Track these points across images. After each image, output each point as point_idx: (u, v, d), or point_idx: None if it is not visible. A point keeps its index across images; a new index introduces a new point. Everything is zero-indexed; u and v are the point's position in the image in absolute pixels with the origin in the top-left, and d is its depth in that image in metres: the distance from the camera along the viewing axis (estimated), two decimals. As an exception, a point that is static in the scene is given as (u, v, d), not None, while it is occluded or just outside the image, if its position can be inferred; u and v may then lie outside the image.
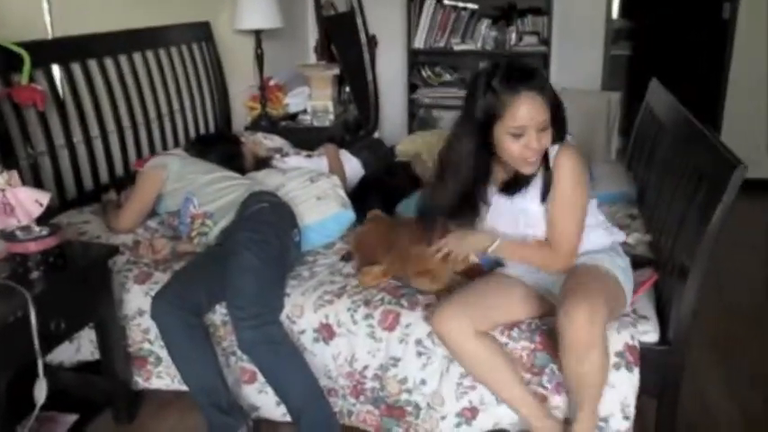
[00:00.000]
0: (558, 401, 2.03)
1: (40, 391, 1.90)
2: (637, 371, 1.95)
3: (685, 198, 2.18)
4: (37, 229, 1.97)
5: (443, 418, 2.09)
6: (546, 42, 4.75)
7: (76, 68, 2.77)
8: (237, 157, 2.93)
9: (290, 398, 2.14)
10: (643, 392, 1.98)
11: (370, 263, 2.34)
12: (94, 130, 2.87)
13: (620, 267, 2.00)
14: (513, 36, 4.81)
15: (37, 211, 1.95)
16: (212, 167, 2.63)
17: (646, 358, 1.96)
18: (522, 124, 1.81)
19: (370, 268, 2.30)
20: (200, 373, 2.14)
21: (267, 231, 2.29)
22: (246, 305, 2.12)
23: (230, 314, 2.15)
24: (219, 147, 2.93)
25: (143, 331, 2.33)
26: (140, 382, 2.40)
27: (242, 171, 2.82)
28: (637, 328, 1.98)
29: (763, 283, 3.49)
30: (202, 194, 2.47)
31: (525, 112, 1.80)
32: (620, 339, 1.96)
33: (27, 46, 2.41)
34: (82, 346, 2.40)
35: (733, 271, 3.43)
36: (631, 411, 1.96)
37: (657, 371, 1.98)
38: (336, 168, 3.21)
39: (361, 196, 2.92)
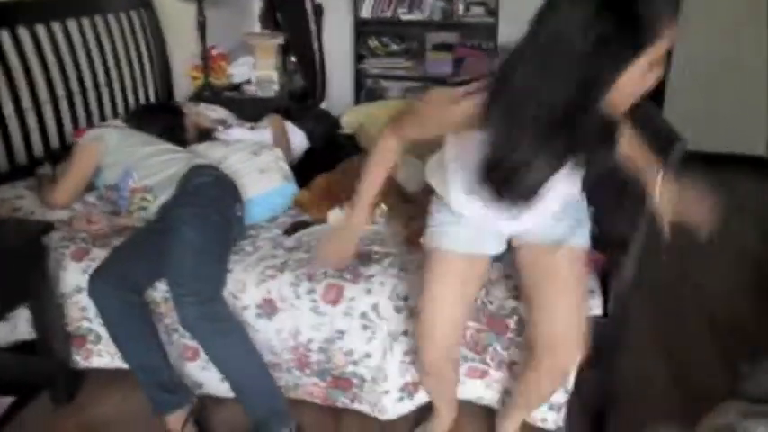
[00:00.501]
0: (497, 376, 2.07)
1: (-29, 374, 1.85)
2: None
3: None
4: (-36, 206, 1.89)
5: (386, 392, 2.10)
6: (493, 13, 4.74)
7: (5, 36, 2.65)
8: (179, 129, 2.84)
9: (233, 374, 2.11)
10: (583, 363, 2.02)
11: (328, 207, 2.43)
12: (26, 101, 2.76)
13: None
14: (461, 6, 4.79)
15: (-37, 187, 1.87)
16: (152, 140, 2.55)
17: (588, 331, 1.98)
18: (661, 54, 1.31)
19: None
20: (141, 352, 2.11)
21: (208, 206, 2.23)
22: (187, 281, 2.07)
23: (171, 291, 2.10)
24: (160, 118, 2.83)
25: (81, 309, 2.28)
26: (80, 361, 2.34)
27: (184, 143, 2.75)
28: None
29: (707, 255, 3.57)
30: (142, 168, 2.40)
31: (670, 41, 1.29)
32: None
33: (-50, 12, 2.30)
34: (18, 325, 2.33)
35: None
36: (570, 384, 2.01)
37: (596, 343, 2.02)
38: (281, 140, 3.15)
39: (305, 169, 2.89)
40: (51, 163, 2.72)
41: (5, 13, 2.64)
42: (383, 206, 2.47)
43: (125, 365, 2.23)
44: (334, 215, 2.45)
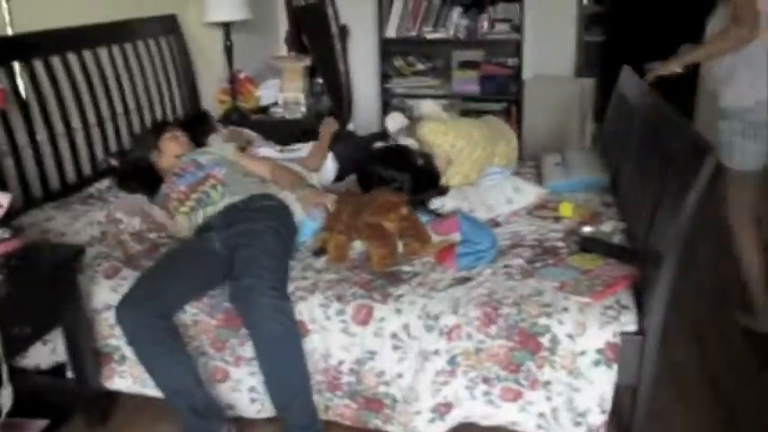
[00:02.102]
0: (532, 398, 2.02)
1: (6, 398, 1.86)
2: (616, 367, 1.95)
3: (658, 185, 2.18)
4: (-1, 231, 1.92)
5: (418, 412, 2.07)
6: (518, 29, 4.73)
7: (39, 65, 2.70)
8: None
9: (283, 383, 2.10)
10: (620, 383, 1.98)
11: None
12: (59, 128, 2.80)
13: None
14: (486, 23, 4.78)
15: (-3, 213, 1.90)
16: None
17: (623, 348, 1.95)
18: None
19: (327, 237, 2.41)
20: (173, 377, 2.10)
21: (282, 226, 2.40)
22: (268, 276, 2.13)
23: (244, 285, 2.11)
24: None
25: (110, 326, 2.28)
26: (102, 381, 2.34)
27: None
28: (620, 320, 1.97)
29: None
30: (231, 167, 2.64)
31: None
32: (601, 337, 1.95)
33: (-15, 43, 2.35)
34: (57, 347, 2.34)
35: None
36: (608, 405, 1.97)
37: (635, 361, 1.98)
38: (320, 152, 3.26)
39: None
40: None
41: (38, 43, 2.69)
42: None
43: (145, 390, 2.26)
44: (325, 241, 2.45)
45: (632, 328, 1.98)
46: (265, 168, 2.77)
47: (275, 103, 4.13)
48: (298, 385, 2.11)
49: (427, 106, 3.43)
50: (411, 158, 2.82)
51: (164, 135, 2.84)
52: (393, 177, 2.71)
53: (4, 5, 2.54)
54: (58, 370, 2.36)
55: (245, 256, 2.21)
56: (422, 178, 2.77)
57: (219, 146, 2.86)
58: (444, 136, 2.91)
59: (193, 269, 2.24)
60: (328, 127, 3.42)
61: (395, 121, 3.28)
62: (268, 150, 3.24)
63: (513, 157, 3.15)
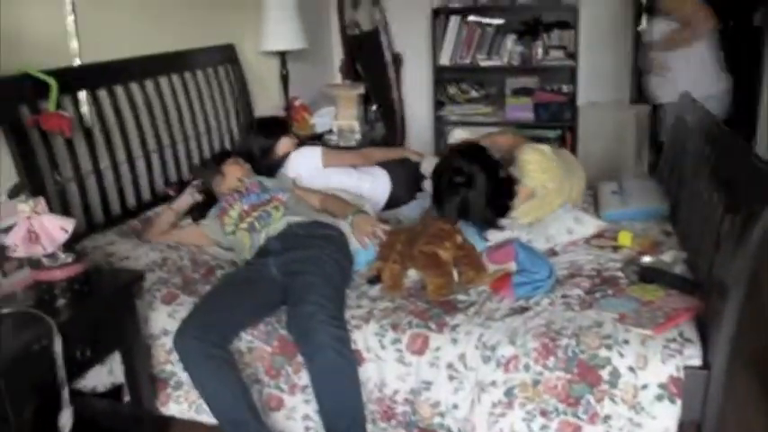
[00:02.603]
0: (591, 432, 1.97)
1: (66, 420, 1.88)
2: (680, 402, 1.88)
3: (721, 214, 2.11)
4: (62, 256, 1.96)
5: (474, 445, 2.03)
6: (573, 56, 4.70)
7: (103, 94, 2.79)
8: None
9: (339, 414, 2.09)
10: (683, 418, 1.91)
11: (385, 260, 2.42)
12: (121, 156, 2.88)
13: None
14: (540, 50, 4.77)
15: (62, 237, 1.94)
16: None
17: (687, 383, 1.89)
18: None
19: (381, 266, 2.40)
20: (228, 405, 2.10)
21: (340, 255, 2.43)
22: (328, 304, 2.14)
23: (303, 312, 2.12)
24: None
25: (167, 352, 2.30)
26: (158, 406, 2.36)
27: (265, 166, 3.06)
28: (683, 353, 1.91)
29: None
30: (293, 195, 2.73)
31: None
32: (664, 371, 1.89)
33: (54, 73, 2.44)
34: (114, 369, 2.37)
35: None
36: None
37: (699, 396, 1.91)
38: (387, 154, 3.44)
39: None
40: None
41: (103, 74, 2.78)
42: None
43: (199, 417, 2.27)
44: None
45: (696, 362, 1.91)
46: (316, 198, 2.79)
47: (330, 131, 4.17)
48: (353, 415, 2.09)
49: (458, 134, 3.40)
50: (494, 163, 2.63)
51: (227, 160, 2.89)
52: (470, 173, 2.53)
53: (74, 38, 2.64)
54: (115, 393, 2.39)
55: (304, 283, 2.22)
56: (497, 191, 2.58)
57: (279, 176, 2.88)
58: (543, 174, 2.70)
59: (250, 297, 2.25)
60: (405, 152, 3.54)
61: (456, 139, 3.26)
62: (310, 153, 3.29)
63: (580, 198, 3.04)
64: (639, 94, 4.69)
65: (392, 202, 3.22)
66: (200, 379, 2.10)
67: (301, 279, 2.24)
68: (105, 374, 2.39)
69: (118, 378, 2.38)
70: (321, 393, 2.09)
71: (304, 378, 2.16)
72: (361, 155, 3.44)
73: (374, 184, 3.21)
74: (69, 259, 1.96)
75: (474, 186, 2.53)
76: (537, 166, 2.71)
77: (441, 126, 5.04)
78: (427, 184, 3.13)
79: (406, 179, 3.28)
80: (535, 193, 2.71)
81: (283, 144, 3.22)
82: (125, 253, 2.53)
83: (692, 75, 3.75)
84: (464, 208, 2.55)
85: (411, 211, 3.11)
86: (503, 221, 2.65)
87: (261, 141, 3.00)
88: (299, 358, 2.14)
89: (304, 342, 2.10)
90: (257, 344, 2.22)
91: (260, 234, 2.52)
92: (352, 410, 2.09)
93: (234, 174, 2.82)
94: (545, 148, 2.84)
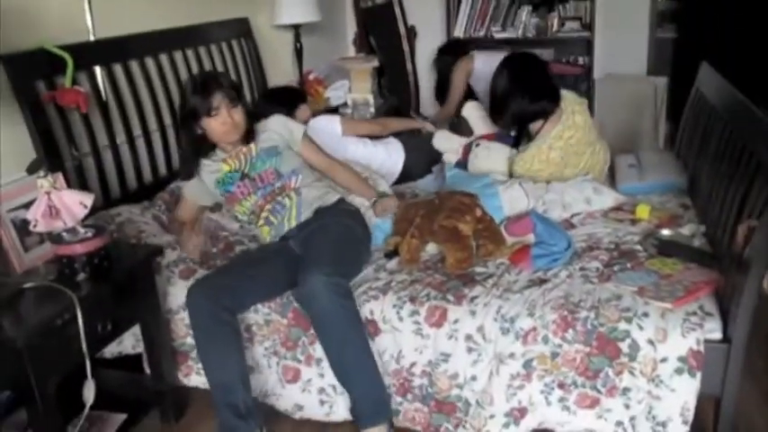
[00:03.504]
0: (610, 404, 1.97)
1: (89, 392, 1.91)
2: (699, 376, 1.88)
3: (742, 187, 2.10)
4: (82, 230, 1.98)
5: (492, 416, 2.04)
6: (589, 27, 4.65)
7: (118, 69, 2.78)
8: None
9: (342, 357, 2.10)
10: (703, 392, 1.91)
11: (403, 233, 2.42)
12: (137, 130, 2.88)
13: None
14: (555, 22, 4.72)
15: (82, 212, 1.96)
16: None
17: (707, 356, 1.88)
18: None
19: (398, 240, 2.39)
20: (222, 370, 2.11)
21: (352, 221, 2.42)
22: (326, 257, 2.17)
23: (301, 268, 2.14)
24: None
25: (186, 326, 2.31)
26: (180, 377, 2.39)
27: None
28: (703, 327, 1.90)
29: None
30: (305, 175, 2.53)
31: None
32: (684, 344, 1.88)
33: (70, 49, 2.43)
34: (124, 339, 2.40)
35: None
36: (690, 415, 1.90)
37: (719, 370, 1.91)
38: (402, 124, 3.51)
39: None
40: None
41: (118, 49, 2.78)
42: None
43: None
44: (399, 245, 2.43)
45: (717, 335, 1.91)
46: (324, 162, 2.68)
47: (344, 104, 4.16)
48: (356, 357, 2.10)
49: (470, 108, 3.40)
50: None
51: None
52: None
53: (88, 14, 2.63)
54: (136, 366, 2.42)
55: (309, 245, 2.27)
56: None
57: (294, 125, 2.68)
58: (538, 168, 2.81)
59: (267, 271, 2.26)
60: (422, 124, 3.60)
61: (442, 143, 3.27)
62: (329, 121, 3.31)
63: (600, 169, 3.00)
64: (656, 65, 4.64)
65: (406, 173, 3.22)
66: (203, 337, 2.11)
67: (308, 243, 2.29)
68: (114, 344, 2.40)
69: (126, 348, 2.42)
70: (323, 341, 2.12)
71: (319, 350, 2.17)
72: (378, 123, 3.48)
73: (388, 154, 3.23)
74: (89, 234, 1.98)
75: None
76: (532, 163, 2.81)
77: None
78: (447, 157, 3.13)
79: (420, 150, 3.28)
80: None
81: (302, 111, 3.23)
82: (142, 228, 2.54)
83: None
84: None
85: (427, 184, 3.11)
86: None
87: (279, 110, 2.98)
88: (313, 330, 2.16)
89: (300, 294, 2.13)
90: (274, 316, 2.24)
91: (278, 224, 2.45)
92: (354, 353, 2.10)
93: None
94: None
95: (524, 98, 2.80)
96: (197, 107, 2.35)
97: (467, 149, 3.05)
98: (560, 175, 2.79)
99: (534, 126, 2.85)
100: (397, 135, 3.38)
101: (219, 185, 2.51)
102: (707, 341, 1.89)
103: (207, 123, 2.38)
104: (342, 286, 2.12)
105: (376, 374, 2.12)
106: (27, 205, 1.99)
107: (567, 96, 2.89)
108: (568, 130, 2.78)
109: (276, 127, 2.57)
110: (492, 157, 2.92)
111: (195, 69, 3.25)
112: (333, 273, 2.10)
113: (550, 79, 2.93)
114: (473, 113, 3.32)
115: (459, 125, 3.42)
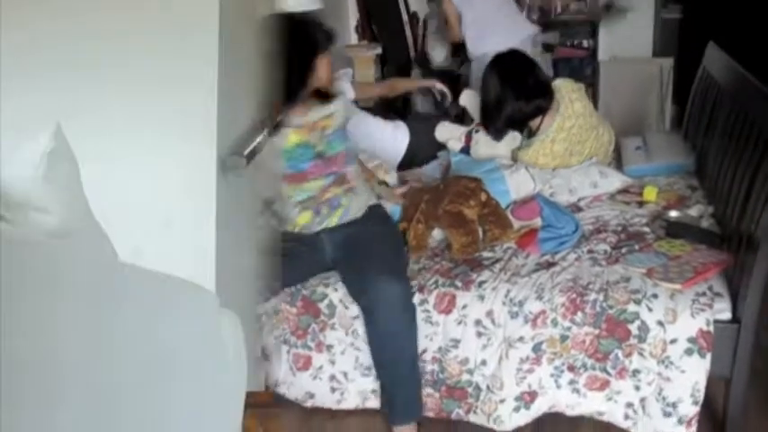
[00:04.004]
0: (620, 386, 1.97)
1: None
2: (709, 356, 1.88)
3: (751, 167, 2.08)
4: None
5: (502, 401, 2.05)
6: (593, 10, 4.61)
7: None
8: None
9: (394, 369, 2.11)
10: (713, 373, 1.91)
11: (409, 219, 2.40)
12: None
13: None
14: (559, 4, 4.68)
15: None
16: None
17: (716, 337, 1.88)
18: None
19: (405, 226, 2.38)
20: None
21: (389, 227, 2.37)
22: (398, 272, 2.13)
23: (378, 280, 2.06)
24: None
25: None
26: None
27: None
28: (713, 307, 1.90)
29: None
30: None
31: None
32: (694, 324, 1.88)
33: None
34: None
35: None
36: (701, 396, 1.90)
37: (728, 350, 1.90)
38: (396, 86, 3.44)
39: None
40: None
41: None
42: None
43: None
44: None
45: (726, 315, 1.91)
46: (378, 89, 2.72)
47: (347, 92, 4.14)
48: (407, 364, 2.10)
49: (468, 96, 3.36)
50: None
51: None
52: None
53: None
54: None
55: (368, 252, 2.17)
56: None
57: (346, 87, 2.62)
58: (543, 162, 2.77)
59: (292, 268, 2.19)
60: (428, 82, 3.44)
61: (443, 133, 3.22)
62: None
63: (608, 156, 2.99)
64: (661, 46, 4.61)
65: (410, 155, 3.21)
66: None
67: (361, 252, 2.18)
68: None
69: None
70: (378, 344, 2.11)
71: (329, 337, 2.18)
72: (386, 86, 3.48)
73: (394, 133, 3.21)
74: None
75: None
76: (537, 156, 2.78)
77: (460, 85, 4.98)
78: (452, 144, 3.12)
79: (425, 133, 3.26)
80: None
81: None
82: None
83: None
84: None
85: (433, 170, 3.10)
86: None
87: None
88: (323, 317, 2.16)
89: (364, 299, 2.10)
90: (283, 306, 2.24)
91: (323, 217, 2.24)
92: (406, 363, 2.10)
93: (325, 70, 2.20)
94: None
95: (519, 100, 2.76)
96: (319, 40, 2.09)
97: (468, 137, 3.04)
98: (566, 165, 2.77)
99: (533, 123, 2.83)
100: (405, 118, 3.36)
101: (285, 157, 2.14)
102: (716, 321, 1.89)
103: (320, 62, 2.10)
104: (410, 297, 2.11)
105: (418, 378, 2.13)
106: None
107: (562, 85, 2.87)
108: (569, 120, 2.76)
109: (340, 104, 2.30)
110: (493, 142, 2.91)
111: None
112: (405, 283, 2.10)
113: (541, 75, 2.90)
114: (471, 101, 3.30)
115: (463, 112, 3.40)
